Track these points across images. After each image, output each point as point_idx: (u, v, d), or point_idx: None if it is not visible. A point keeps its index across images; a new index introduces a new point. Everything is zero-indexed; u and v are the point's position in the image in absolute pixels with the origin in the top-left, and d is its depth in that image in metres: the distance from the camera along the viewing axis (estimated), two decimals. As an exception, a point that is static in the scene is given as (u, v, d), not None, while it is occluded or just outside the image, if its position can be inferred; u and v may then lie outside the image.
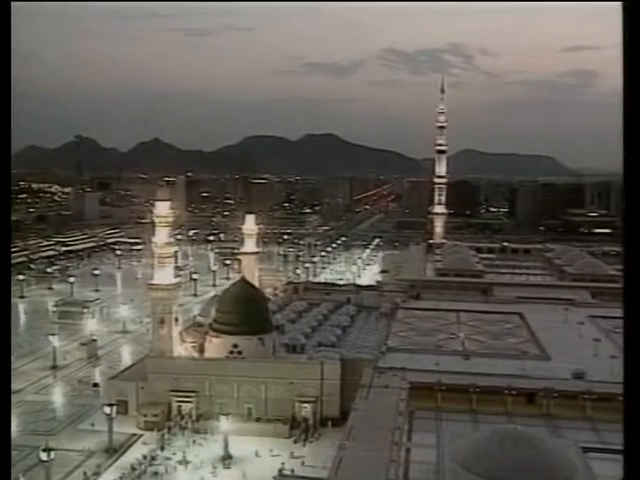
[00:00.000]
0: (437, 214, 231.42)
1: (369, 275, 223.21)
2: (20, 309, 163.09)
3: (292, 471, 73.08)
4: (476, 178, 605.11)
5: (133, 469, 76.62)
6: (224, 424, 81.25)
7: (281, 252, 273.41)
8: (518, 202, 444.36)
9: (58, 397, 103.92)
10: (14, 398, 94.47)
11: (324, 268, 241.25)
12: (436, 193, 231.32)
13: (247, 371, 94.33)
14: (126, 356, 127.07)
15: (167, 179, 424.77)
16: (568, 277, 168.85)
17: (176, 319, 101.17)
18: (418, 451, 63.74)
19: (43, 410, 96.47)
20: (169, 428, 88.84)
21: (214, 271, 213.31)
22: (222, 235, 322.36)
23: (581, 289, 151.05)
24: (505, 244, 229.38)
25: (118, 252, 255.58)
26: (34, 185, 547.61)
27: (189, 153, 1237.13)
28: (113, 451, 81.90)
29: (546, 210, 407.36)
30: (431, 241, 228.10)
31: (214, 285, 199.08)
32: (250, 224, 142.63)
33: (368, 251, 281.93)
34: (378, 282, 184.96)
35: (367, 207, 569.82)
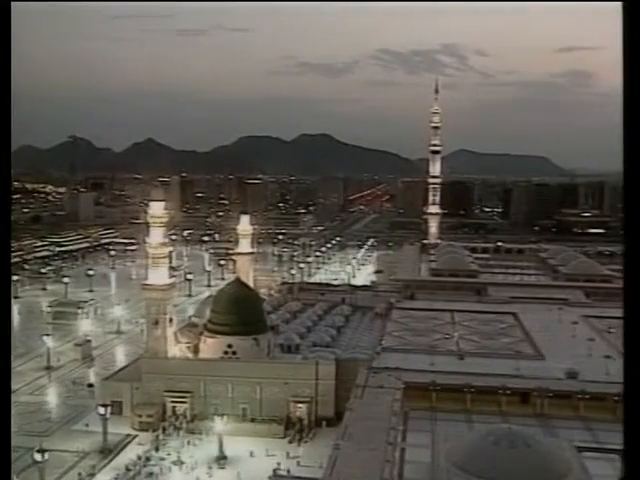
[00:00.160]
0: (431, 214, 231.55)
1: (364, 275, 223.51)
2: (14, 310, 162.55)
3: (288, 471, 73.18)
4: (470, 178, 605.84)
5: (128, 470, 76.53)
6: (219, 424, 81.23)
7: (276, 252, 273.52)
8: (512, 202, 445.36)
9: (52, 398, 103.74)
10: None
11: (319, 268, 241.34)
12: (430, 193, 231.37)
13: (242, 371, 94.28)
14: (120, 357, 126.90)
15: (161, 179, 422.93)
16: (562, 277, 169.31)
17: (170, 319, 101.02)
18: (413, 451, 63.84)
19: (37, 411, 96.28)
20: (164, 429, 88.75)
21: (209, 271, 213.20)
22: (217, 235, 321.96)
23: (575, 289, 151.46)
24: (499, 244, 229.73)
25: (112, 252, 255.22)
26: (28, 185, 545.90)
27: (183, 153, 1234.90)
28: (107, 452, 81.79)
29: (540, 210, 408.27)
30: (425, 241, 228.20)
31: (209, 285, 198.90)
32: (245, 224, 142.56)
33: (362, 251, 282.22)
34: (373, 282, 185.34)
35: (361, 207, 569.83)
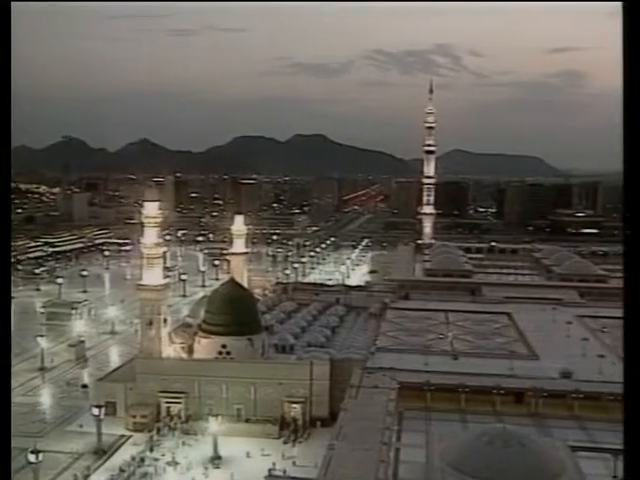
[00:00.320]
0: (426, 214, 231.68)
1: (358, 275, 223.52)
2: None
3: (284, 471, 73.19)
4: (464, 178, 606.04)
5: (122, 471, 76.39)
6: (213, 425, 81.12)
7: (270, 252, 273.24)
8: (506, 202, 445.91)
9: (46, 398, 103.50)
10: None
11: (313, 268, 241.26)
12: (425, 193, 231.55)
13: (236, 372, 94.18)
14: (115, 357, 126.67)
15: (156, 179, 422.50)
16: (556, 277, 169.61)
17: (165, 320, 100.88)
18: (407, 451, 63.92)
19: (31, 412, 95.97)
20: (158, 429, 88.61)
21: (203, 272, 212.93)
22: (211, 235, 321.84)
23: (569, 289, 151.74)
24: (493, 244, 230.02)
25: (106, 253, 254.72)
26: (22, 185, 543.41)
27: (178, 153, 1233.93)
28: (102, 452, 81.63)
29: (534, 210, 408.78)
30: (420, 241, 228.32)
31: (203, 286, 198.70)
32: (239, 224, 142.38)
33: (357, 251, 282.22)
34: (367, 282, 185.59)
35: (356, 207, 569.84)
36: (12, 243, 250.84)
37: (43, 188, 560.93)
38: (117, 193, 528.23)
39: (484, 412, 78.00)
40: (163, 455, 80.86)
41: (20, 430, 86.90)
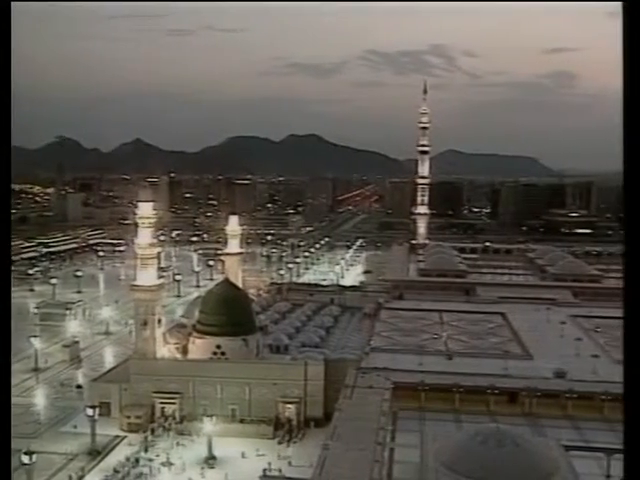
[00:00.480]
0: (420, 214, 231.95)
1: (352, 276, 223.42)
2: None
3: (280, 471, 73.23)
4: (459, 179, 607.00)
5: (116, 471, 76.28)
6: (208, 425, 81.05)
7: (264, 253, 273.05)
8: (500, 202, 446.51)
9: (40, 399, 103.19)
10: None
11: (307, 269, 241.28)
12: (419, 194, 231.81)
13: (231, 372, 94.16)
14: (109, 358, 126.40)
15: (150, 180, 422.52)
16: (550, 277, 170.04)
17: (159, 320, 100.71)
18: (402, 451, 64.02)
19: (25, 413, 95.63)
20: (152, 430, 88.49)
21: (197, 272, 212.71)
22: (205, 236, 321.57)
23: (563, 289, 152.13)
24: (487, 244, 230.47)
25: (101, 253, 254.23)
26: (15, 186, 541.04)
27: (172, 154, 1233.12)
28: (96, 453, 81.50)
29: (528, 210, 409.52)
30: (414, 241, 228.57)
31: (197, 286, 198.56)
32: (233, 225, 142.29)
33: (351, 252, 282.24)
34: (361, 283, 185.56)
35: (350, 208, 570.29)
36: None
37: (37, 188, 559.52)
38: (111, 193, 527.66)
39: (478, 412, 78.19)
40: (157, 456, 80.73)
41: (14, 431, 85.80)
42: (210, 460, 79.26)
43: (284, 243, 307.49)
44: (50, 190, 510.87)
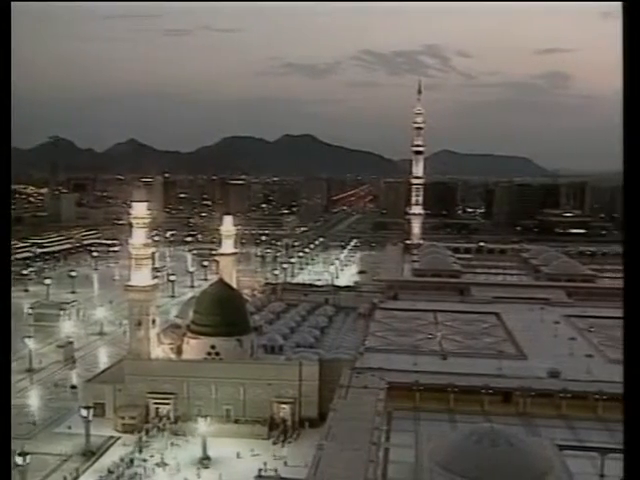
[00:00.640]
0: (414, 215, 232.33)
1: (347, 276, 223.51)
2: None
3: (276, 470, 73.24)
4: (453, 179, 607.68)
5: (110, 472, 76.15)
6: (202, 426, 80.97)
7: (259, 253, 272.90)
8: (494, 202, 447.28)
9: (34, 400, 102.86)
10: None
11: (302, 269, 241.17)
12: (413, 194, 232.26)
13: (225, 372, 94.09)
14: (103, 358, 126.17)
15: (144, 180, 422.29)
16: (544, 277, 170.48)
17: (153, 321, 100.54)
18: (396, 451, 64.09)
19: (19, 414, 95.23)
20: (147, 430, 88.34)
21: (192, 272, 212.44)
22: (200, 236, 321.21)
23: (557, 289, 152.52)
24: (482, 244, 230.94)
25: (95, 254, 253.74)
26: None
27: (166, 154, 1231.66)
28: (90, 454, 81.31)
29: (522, 210, 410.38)
30: (408, 242, 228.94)
31: (192, 286, 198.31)
32: (228, 225, 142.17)
33: (346, 252, 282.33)
34: (356, 283, 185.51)
35: (345, 208, 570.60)
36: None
37: (31, 189, 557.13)
38: (105, 194, 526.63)
39: (472, 412, 78.31)
40: (152, 456, 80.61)
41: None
42: (205, 460, 79.20)
43: (278, 243, 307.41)
44: (44, 190, 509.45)
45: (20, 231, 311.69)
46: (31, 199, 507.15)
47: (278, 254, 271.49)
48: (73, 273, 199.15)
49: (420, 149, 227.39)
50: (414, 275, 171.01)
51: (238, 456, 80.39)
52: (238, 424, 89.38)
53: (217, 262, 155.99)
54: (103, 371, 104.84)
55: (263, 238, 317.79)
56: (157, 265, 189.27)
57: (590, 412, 76.29)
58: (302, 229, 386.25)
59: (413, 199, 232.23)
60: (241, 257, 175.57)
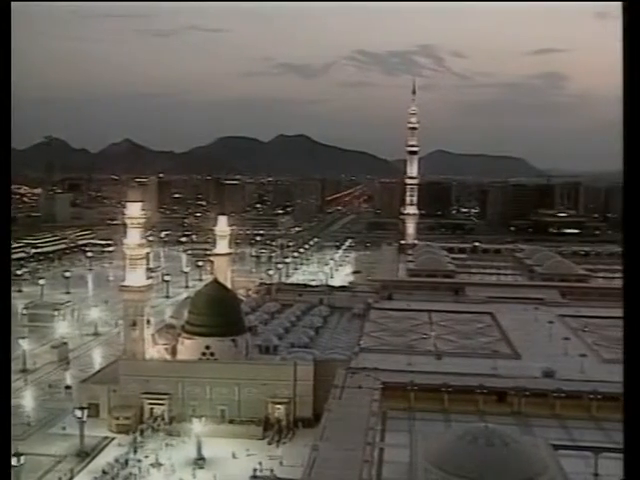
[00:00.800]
0: (409, 215, 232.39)
1: (341, 276, 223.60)
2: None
3: (272, 471, 73.27)
4: (447, 179, 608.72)
5: (105, 473, 76.02)
6: (197, 426, 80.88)
7: (254, 253, 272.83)
8: (489, 203, 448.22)
9: (28, 401, 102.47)
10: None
11: (297, 269, 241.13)
12: (408, 194, 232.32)
13: (220, 373, 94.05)
14: (98, 359, 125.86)
15: (138, 180, 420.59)
16: (538, 277, 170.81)
17: (148, 321, 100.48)
18: (391, 451, 64.16)
19: (13, 414, 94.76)
20: (141, 431, 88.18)
21: (186, 272, 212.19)
22: (194, 236, 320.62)
23: (551, 289, 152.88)
24: (476, 244, 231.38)
25: (89, 254, 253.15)
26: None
27: (161, 154, 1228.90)
28: (85, 455, 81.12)
29: (516, 210, 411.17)
30: (403, 242, 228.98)
31: (186, 287, 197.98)
32: (222, 225, 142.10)
33: (340, 252, 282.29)
34: (350, 283, 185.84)
35: (339, 208, 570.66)
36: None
37: (25, 189, 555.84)
38: (100, 194, 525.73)
39: (467, 411, 78.44)
40: (147, 457, 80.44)
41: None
42: (199, 461, 79.12)
43: (273, 243, 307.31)
44: (38, 190, 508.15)
45: (14, 231, 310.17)
46: (25, 199, 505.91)
47: (273, 254, 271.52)
48: (67, 273, 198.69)
49: (414, 149, 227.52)
50: (409, 275, 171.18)
51: (233, 456, 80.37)
52: (233, 424, 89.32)
53: (212, 262, 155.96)
54: (98, 372, 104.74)
55: (258, 238, 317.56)
56: (152, 265, 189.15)
57: (584, 412, 76.47)
58: (297, 229, 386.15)
59: (407, 199, 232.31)
60: (236, 257, 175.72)
